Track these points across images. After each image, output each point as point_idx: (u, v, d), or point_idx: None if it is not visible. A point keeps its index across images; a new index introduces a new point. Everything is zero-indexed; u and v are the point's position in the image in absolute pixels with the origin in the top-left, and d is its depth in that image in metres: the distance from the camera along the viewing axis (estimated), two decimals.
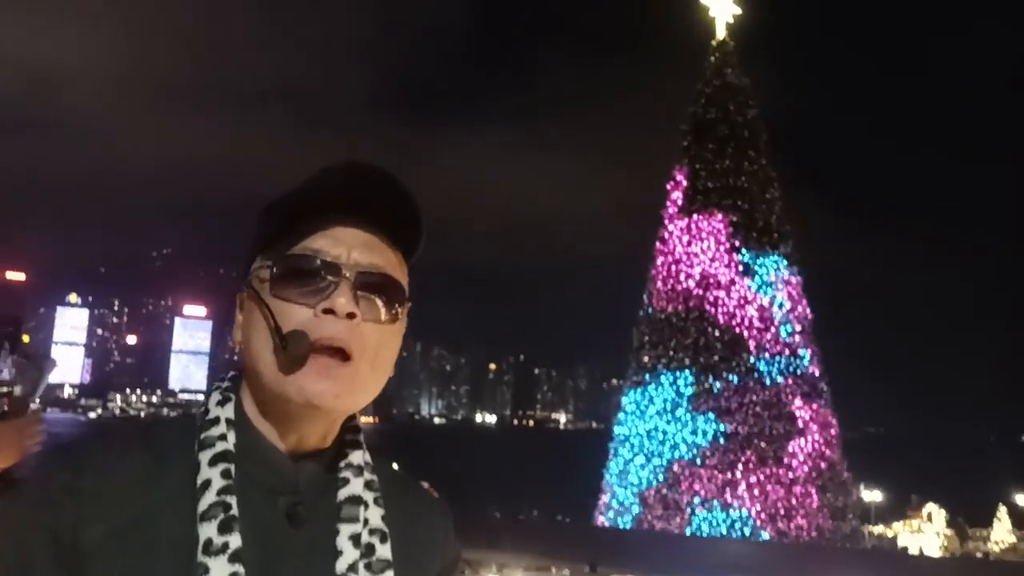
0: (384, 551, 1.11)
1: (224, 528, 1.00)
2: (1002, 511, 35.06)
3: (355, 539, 1.09)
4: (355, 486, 1.13)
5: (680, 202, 21.87)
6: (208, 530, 1.00)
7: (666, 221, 22.01)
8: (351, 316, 1.06)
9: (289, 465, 1.11)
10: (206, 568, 0.98)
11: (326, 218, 1.11)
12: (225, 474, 1.05)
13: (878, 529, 31.53)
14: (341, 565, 1.07)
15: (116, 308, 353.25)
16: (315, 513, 1.10)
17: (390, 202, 1.12)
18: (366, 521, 1.12)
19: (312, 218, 1.11)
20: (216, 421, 1.10)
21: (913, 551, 29.14)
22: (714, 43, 23.25)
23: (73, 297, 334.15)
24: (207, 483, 1.04)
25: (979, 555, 31.37)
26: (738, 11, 23.51)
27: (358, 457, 1.17)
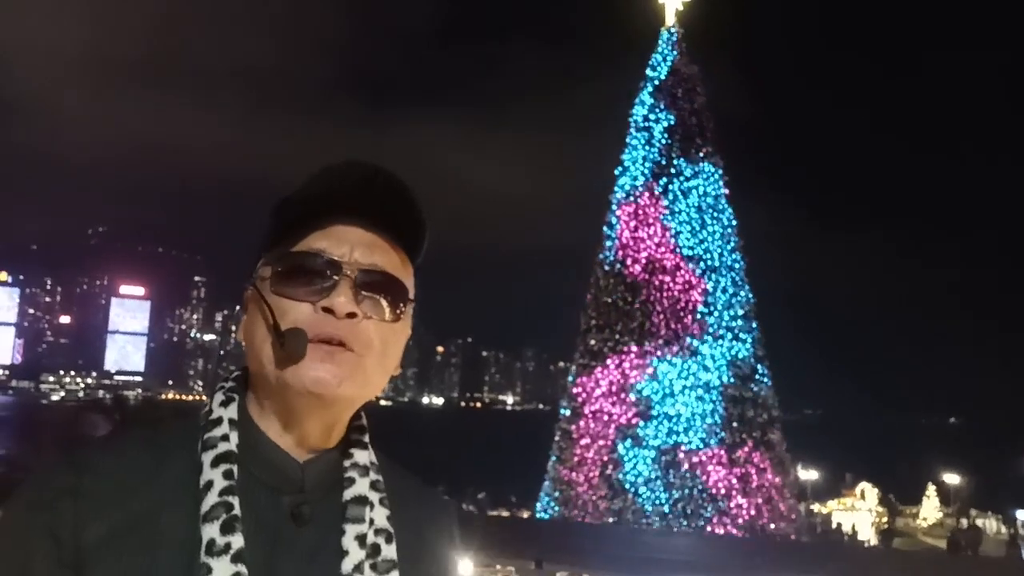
0: (390, 551, 1.11)
1: (226, 529, 1.00)
2: (931, 489, 36.49)
3: (361, 539, 1.09)
4: (361, 486, 1.13)
5: (628, 188, 22.05)
6: (211, 531, 1.00)
7: (613, 207, 22.17)
8: (351, 315, 1.07)
9: (294, 465, 1.10)
10: (209, 568, 0.98)
11: (330, 218, 1.11)
12: (227, 475, 1.04)
13: (814, 507, 32.53)
14: (347, 565, 1.07)
15: (49, 287, 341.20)
16: (320, 513, 1.10)
17: (393, 203, 1.13)
18: (372, 521, 1.11)
19: (316, 218, 1.11)
20: (219, 421, 1.09)
21: (846, 528, 30.24)
22: (663, 30, 23.40)
23: (3, 275, 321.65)
24: (209, 484, 1.03)
25: (906, 531, 32.67)
26: None
27: (364, 457, 1.17)
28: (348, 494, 1.12)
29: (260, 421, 1.12)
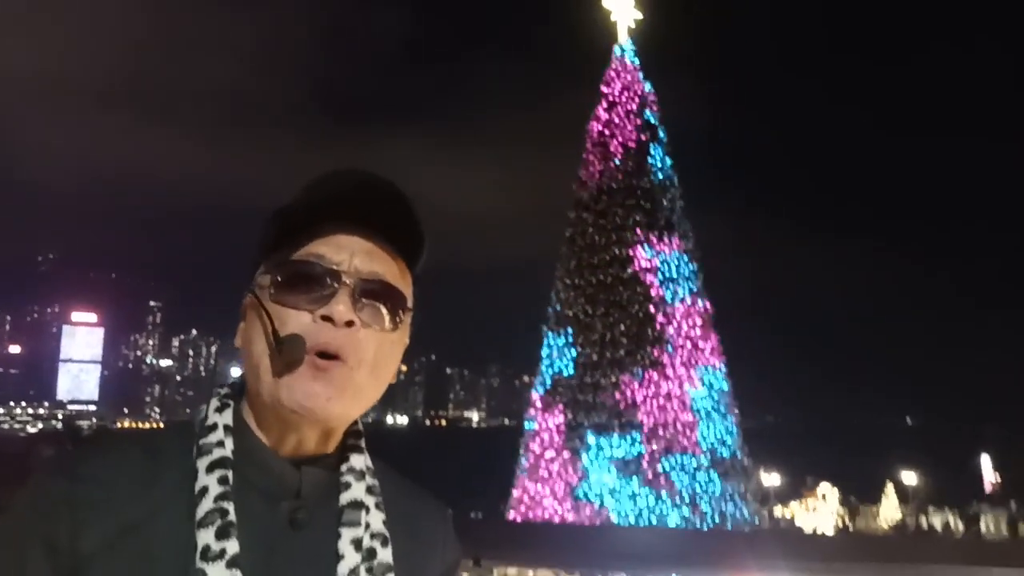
0: (385, 555, 1.12)
1: (221, 534, 1.01)
2: (889, 488, 37.08)
3: (357, 543, 1.10)
4: (357, 491, 1.14)
5: (585, 201, 22.25)
6: (206, 536, 1.00)
7: (573, 220, 22.35)
8: (349, 324, 1.07)
9: (290, 470, 1.11)
10: (204, 574, 0.99)
11: (330, 226, 1.12)
12: (222, 480, 1.05)
13: (776, 510, 32.86)
14: (343, 569, 1.08)
15: None
16: (316, 518, 1.10)
17: (393, 212, 1.13)
18: (368, 525, 1.12)
19: (316, 226, 1.11)
20: (214, 427, 1.10)
21: (808, 530, 30.59)
22: (616, 47, 23.76)
23: None
24: (204, 490, 1.04)
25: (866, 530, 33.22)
26: (639, 16, 24.10)
27: (360, 461, 1.18)
28: (344, 499, 1.13)
29: (256, 428, 1.12)
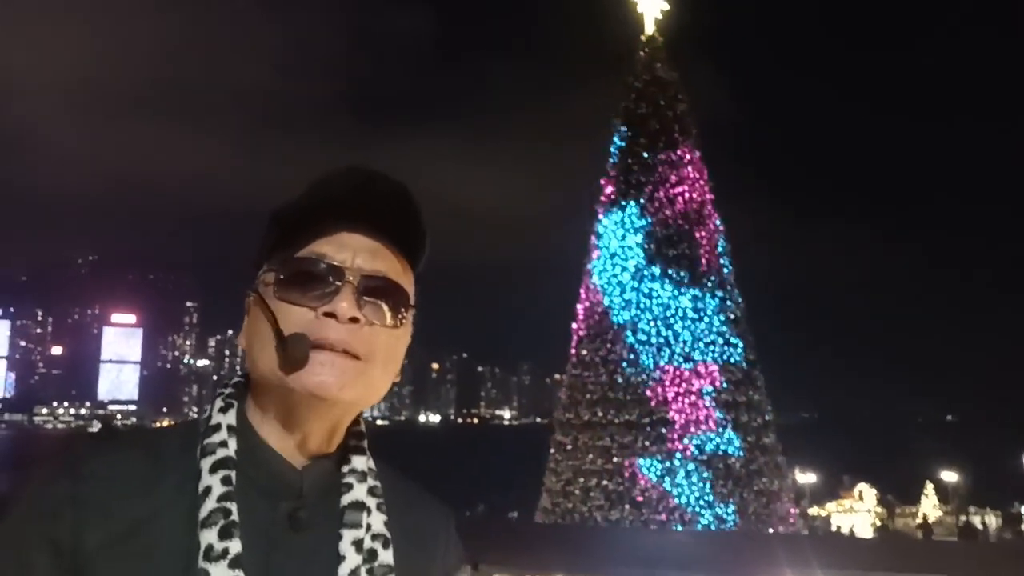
0: (386, 556, 1.12)
1: (224, 534, 1.01)
2: (928, 487, 36.33)
3: (358, 544, 1.10)
4: (358, 491, 1.14)
5: (614, 196, 22.16)
6: (208, 536, 1.01)
7: (600, 215, 22.27)
8: (354, 320, 1.07)
9: (292, 471, 1.11)
10: (206, 573, 0.99)
11: (332, 224, 1.12)
12: (225, 481, 1.05)
13: (812, 510, 32.41)
14: (343, 570, 1.08)
15: (40, 318, 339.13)
16: (318, 518, 1.11)
17: (395, 210, 1.13)
18: (369, 527, 1.13)
19: (318, 224, 1.12)
20: (218, 427, 1.10)
21: (845, 530, 30.12)
22: (643, 38, 23.63)
23: None
24: (208, 490, 1.04)
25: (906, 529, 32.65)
26: (666, 6, 23.91)
27: (362, 463, 1.18)
28: (345, 499, 1.13)
29: (260, 427, 1.12)
